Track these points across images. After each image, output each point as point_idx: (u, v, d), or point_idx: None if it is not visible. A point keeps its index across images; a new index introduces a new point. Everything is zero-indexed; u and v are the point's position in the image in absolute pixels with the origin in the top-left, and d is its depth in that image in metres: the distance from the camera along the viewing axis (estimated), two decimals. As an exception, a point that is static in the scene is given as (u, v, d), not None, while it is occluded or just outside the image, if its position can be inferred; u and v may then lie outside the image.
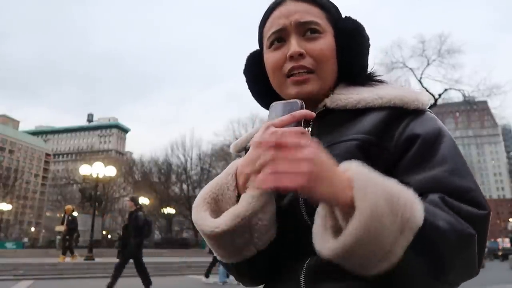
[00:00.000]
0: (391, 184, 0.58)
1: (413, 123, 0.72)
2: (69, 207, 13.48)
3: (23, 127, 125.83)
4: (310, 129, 0.78)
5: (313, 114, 0.67)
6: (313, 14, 0.80)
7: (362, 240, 0.54)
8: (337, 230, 0.58)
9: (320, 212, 0.62)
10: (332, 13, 0.83)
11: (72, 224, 12.40)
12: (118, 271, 7.12)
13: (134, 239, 7.14)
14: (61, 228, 12.79)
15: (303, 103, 0.69)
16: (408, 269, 0.57)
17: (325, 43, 0.79)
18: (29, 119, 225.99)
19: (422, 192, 0.62)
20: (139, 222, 7.18)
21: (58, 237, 13.63)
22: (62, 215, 14.37)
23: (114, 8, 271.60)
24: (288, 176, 0.53)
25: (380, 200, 0.55)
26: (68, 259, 13.47)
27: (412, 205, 0.56)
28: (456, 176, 0.64)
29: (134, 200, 7.73)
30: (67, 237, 12.97)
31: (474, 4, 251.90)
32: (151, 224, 7.81)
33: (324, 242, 0.58)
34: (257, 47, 0.90)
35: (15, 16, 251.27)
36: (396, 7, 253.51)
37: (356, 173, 0.57)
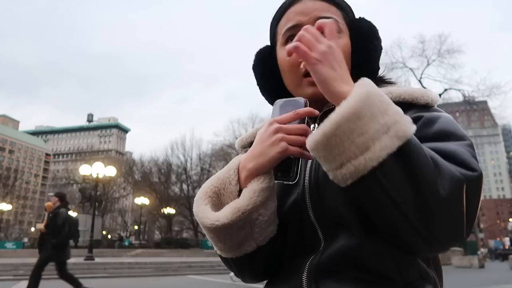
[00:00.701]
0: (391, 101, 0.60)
1: (417, 110, 0.72)
2: (49, 204, 13.07)
3: (23, 127, 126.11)
4: (316, 126, 0.78)
5: (317, 112, 0.67)
6: (332, 12, 0.79)
7: (348, 117, 0.55)
8: None
9: None
10: (348, 13, 0.83)
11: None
12: (34, 275, 5.96)
13: (51, 240, 6.15)
14: (41, 226, 12.40)
15: (307, 101, 0.69)
16: (386, 182, 0.56)
17: (343, 43, 0.78)
18: (29, 119, 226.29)
19: None
20: (57, 221, 6.23)
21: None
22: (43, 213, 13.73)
23: (114, 8, 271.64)
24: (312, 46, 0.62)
25: (377, 96, 0.57)
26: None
27: (405, 117, 0.58)
28: (449, 143, 0.64)
29: (59, 195, 6.75)
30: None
31: (475, 3, 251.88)
32: (76, 224, 6.80)
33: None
34: (258, 47, 0.90)
35: (15, 16, 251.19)
36: (397, 6, 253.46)
37: (364, 79, 0.60)
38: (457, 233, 0.59)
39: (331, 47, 0.62)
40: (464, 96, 27.90)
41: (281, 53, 0.81)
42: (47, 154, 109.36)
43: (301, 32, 0.64)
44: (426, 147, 0.59)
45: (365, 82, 0.59)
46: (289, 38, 0.80)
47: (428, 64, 27.65)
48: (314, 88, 0.75)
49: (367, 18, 0.83)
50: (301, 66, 0.77)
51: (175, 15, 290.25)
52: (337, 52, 0.63)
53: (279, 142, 0.64)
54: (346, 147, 0.56)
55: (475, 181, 0.59)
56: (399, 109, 0.59)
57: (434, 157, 0.58)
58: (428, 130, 0.67)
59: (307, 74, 0.76)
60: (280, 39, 0.82)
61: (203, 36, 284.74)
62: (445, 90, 27.70)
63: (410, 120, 0.58)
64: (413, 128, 0.58)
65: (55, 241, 6.14)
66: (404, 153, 0.55)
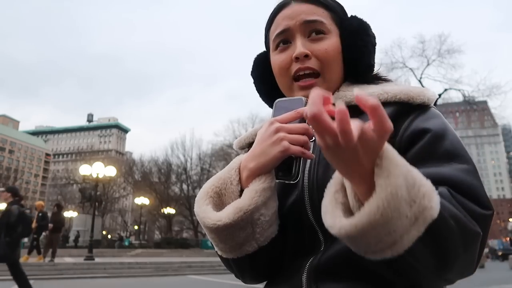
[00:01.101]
0: (414, 170, 0.54)
1: (419, 118, 0.71)
2: (39, 203, 12.53)
3: (23, 127, 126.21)
4: None
5: None
6: (318, 14, 0.80)
7: (375, 224, 0.50)
8: (347, 208, 0.57)
9: (330, 188, 0.59)
10: (337, 12, 0.83)
11: (42, 221, 11.68)
12: None
13: (5, 238, 5.65)
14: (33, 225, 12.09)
15: (308, 100, 0.70)
16: (412, 261, 0.55)
17: (330, 43, 0.78)
18: (29, 119, 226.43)
19: None
20: (10, 218, 5.71)
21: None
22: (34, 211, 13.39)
23: (114, 8, 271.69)
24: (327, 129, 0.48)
25: (402, 185, 0.51)
26: (33, 259, 12.55)
27: (431, 196, 0.54)
28: (462, 173, 0.63)
29: (11, 190, 6.21)
30: (35, 235, 12.34)
31: (475, 3, 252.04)
32: (30, 221, 6.31)
33: (335, 219, 0.55)
34: (260, 47, 0.92)
35: (15, 16, 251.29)
36: (397, 6, 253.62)
37: (384, 158, 0.52)
38: (468, 272, 0.62)
39: (336, 149, 0.49)
40: (464, 96, 27.85)
41: (273, 58, 0.84)
42: (47, 154, 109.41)
43: (311, 122, 0.50)
44: (449, 205, 0.57)
45: (389, 170, 0.50)
46: (279, 44, 0.82)
47: (428, 64, 27.61)
48: (304, 92, 0.77)
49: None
50: (290, 69, 0.79)
51: (175, 15, 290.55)
52: (343, 150, 0.49)
53: (280, 142, 0.64)
54: (372, 245, 0.54)
55: (489, 219, 0.60)
56: (424, 187, 0.53)
57: (455, 216, 0.56)
58: (436, 148, 0.66)
59: (296, 78, 0.79)
60: (271, 44, 0.85)
61: (203, 36, 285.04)
62: (445, 90, 27.66)
63: (437, 196, 0.54)
64: (438, 204, 0.54)
65: (9, 240, 5.70)
66: (430, 231, 0.53)
